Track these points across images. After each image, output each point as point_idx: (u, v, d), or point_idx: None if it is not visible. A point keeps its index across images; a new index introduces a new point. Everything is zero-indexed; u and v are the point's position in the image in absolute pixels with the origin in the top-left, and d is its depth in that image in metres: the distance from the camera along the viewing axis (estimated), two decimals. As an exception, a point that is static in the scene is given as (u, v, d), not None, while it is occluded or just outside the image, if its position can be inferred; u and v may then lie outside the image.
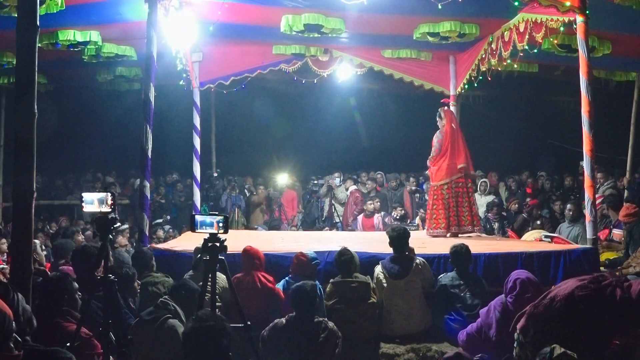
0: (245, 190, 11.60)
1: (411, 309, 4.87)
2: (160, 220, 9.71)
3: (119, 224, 3.65)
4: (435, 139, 7.60)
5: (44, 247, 6.93)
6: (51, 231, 8.95)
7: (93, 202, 3.47)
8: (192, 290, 4.21)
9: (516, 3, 5.80)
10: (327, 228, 10.06)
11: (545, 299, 2.94)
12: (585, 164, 5.59)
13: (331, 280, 4.87)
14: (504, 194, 10.80)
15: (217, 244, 3.63)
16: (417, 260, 5.02)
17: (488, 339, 3.91)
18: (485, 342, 3.86)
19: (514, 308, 3.82)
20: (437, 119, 7.68)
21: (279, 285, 4.96)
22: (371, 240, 6.87)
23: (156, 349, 3.80)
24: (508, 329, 3.61)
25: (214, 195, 11.04)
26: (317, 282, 4.91)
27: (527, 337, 2.91)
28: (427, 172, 8.41)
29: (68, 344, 3.06)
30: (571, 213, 7.84)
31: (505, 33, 6.85)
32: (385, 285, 4.90)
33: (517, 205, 9.58)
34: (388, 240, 5.14)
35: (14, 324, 2.06)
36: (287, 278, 5.02)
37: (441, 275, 5.11)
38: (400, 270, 4.92)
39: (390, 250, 5.19)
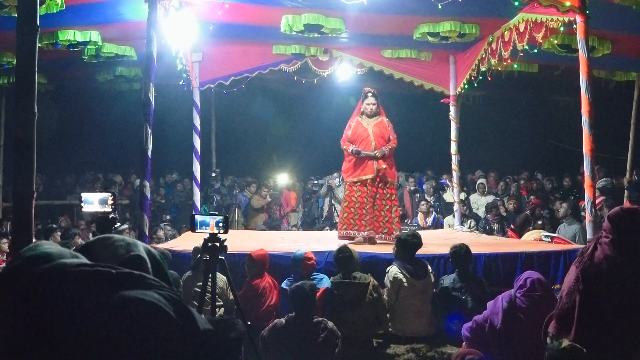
0: (246, 191, 11.60)
1: (425, 311, 4.88)
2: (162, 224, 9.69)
3: (119, 224, 3.65)
4: (392, 130, 6.80)
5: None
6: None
7: (93, 202, 3.47)
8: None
9: (516, 3, 5.79)
10: (327, 228, 10.06)
11: (562, 299, 3.03)
12: (585, 164, 5.58)
13: (331, 279, 4.87)
14: (502, 194, 10.82)
15: (217, 244, 3.63)
16: (428, 266, 5.04)
17: (493, 327, 3.96)
18: (490, 332, 3.92)
19: (522, 303, 3.90)
20: (375, 101, 6.74)
21: (283, 285, 4.99)
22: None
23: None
24: (513, 320, 3.81)
25: (218, 203, 11.01)
26: (325, 277, 4.95)
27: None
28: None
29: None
30: (564, 211, 7.86)
31: (505, 33, 6.85)
32: (405, 285, 4.83)
33: (516, 206, 9.58)
34: (406, 246, 5.01)
35: None
36: (288, 278, 5.04)
37: (442, 277, 5.10)
38: (420, 271, 4.93)
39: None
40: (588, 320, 2.89)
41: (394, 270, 4.94)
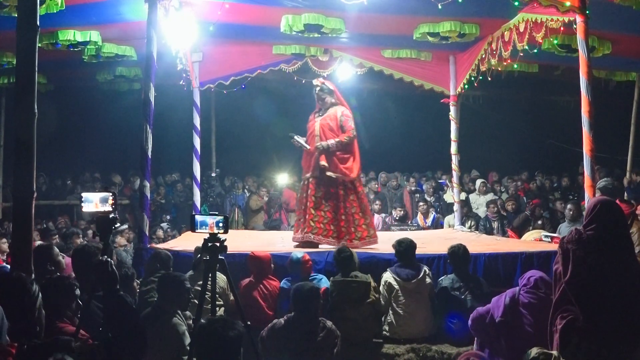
0: (245, 190, 11.60)
1: (420, 311, 4.89)
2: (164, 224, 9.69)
3: (119, 224, 3.64)
4: (350, 120, 6.14)
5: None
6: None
7: (93, 201, 3.46)
8: (179, 282, 4.18)
9: (516, 3, 5.79)
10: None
11: (553, 308, 3.15)
12: (585, 164, 5.58)
13: (332, 279, 4.89)
14: (502, 194, 10.82)
15: (217, 244, 3.63)
16: (425, 269, 5.05)
17: (493, 320, 4.04)
18: (490, 323, 4.01)
19: (524, 299, 3.96)
20: (324, 95, 6.20)
21: (282, 285, 4.99)
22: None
23: (157, 348, 3.80)
24: (514, 315, 3.93)
25: (215, 201, 11.01)
26: (324, 278, 4.96)
27: (576, 349, 3.01)
28: (322, 162, 6.09)
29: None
30: (571, 213, 7.85)
31: (505, 33, 6.84)
32: (397, 287, 4.89)
33: (514, 206, 9.58)
34: (394, 252, 5.10)
35: (6, 322, 2.09)
36: (287, 278, 5.05)
37: (441, 278, 5.11)
38: (411, 272, 4.94)
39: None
40: (613, 319, 2.98)
41: (386, 276, 4.99)
